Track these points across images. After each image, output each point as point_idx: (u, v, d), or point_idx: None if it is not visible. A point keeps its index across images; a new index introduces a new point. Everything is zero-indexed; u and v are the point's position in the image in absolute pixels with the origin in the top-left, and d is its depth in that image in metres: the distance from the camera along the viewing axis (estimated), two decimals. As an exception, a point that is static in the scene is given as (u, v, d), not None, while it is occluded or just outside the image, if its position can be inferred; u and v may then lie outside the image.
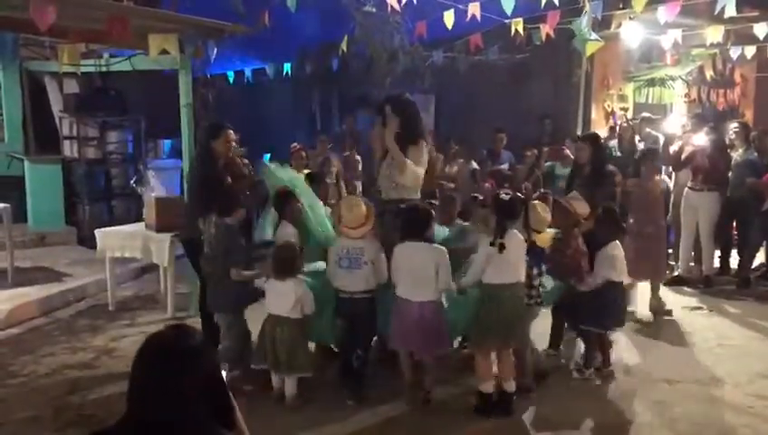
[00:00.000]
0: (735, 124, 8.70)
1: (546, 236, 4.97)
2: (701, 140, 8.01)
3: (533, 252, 4.78)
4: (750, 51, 9.61)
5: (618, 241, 5.25)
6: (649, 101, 10.80)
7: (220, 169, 5.43)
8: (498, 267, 4.46)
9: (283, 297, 4.59)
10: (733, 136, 8.39)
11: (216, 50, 6.62)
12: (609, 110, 10.63)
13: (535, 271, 4.84)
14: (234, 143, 7.78)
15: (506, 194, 4.60)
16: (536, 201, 5.08)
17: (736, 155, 8.17)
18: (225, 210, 4.90)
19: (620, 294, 5.32)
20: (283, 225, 5.17)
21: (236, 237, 4.94)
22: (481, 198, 6.10)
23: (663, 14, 7.67)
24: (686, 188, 8.07)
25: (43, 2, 5.43)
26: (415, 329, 4.52)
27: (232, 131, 5.49)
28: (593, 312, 5.13)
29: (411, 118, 5.15)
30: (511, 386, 4.63)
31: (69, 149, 9.93)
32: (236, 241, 4.93)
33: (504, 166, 9.46)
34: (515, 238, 4.52)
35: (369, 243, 4.71)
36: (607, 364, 5.30)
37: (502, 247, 4.38)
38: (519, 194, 4.74)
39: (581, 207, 5.29)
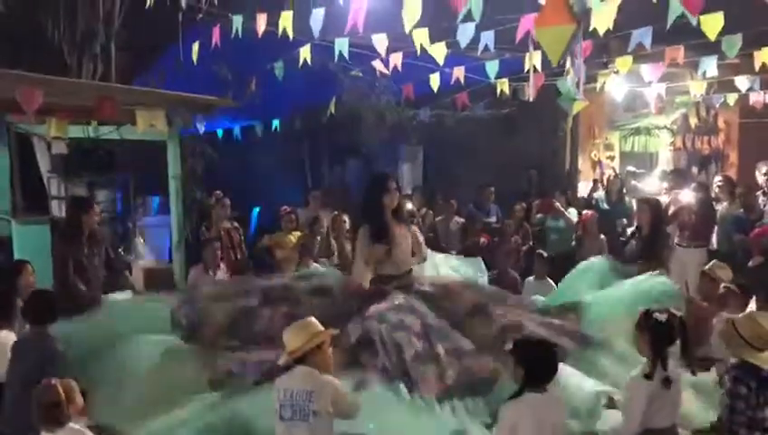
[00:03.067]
0: (720, 178, 8.80)
1: None
2: (687, 196, 8.09)
3: (758, 378, 3.69)
4: (732, 98, 9.74)
5: None
6: (635, 150, 10.91)
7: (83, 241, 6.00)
8: (658, 408, 3.49)
9: None
10: (717, 190, 8.49)
11: (204, 122, 6.68)
12: (596, 159, 10.72)
13: (762, 399, 3.69)
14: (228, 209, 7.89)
15: (661, 313, 3.60)
16: (759, 311, 4.07)
17: (721, 209, 8.24)
18: None
19: None
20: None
21: None
22: None
23: (647, 72, 7.81)
24: (674, 244, 8.13)
25: (30, 87, 5.48)
26: None
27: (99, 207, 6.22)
28: None
29: None
30: None
31: (57, 209, 9.88)
32: None
33: (492, 219, 9.53)
34: (676, 371, 3.59)
35: (321, 383, 3.45)
36: None
37: (667, 383, 3.45)
38: (672, 311, 3.71)
39: (726, 275, 5.31)
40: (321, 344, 3.55)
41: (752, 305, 5.48)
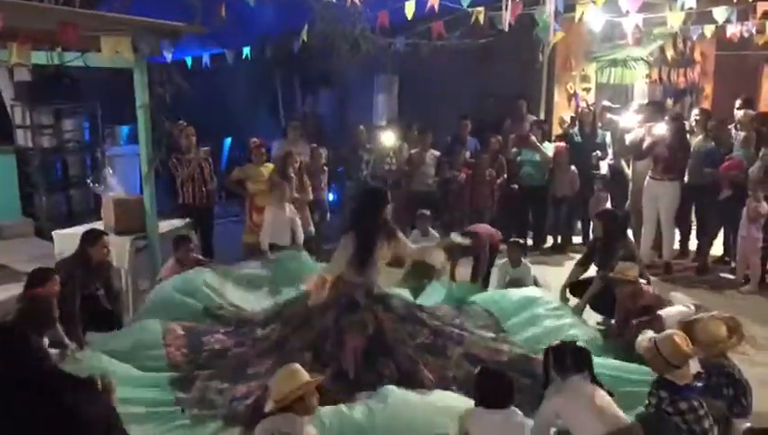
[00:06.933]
0: (696, 111, 8.81)
1: (688, 372, 3.91)
2: (661, 129, 8.09)
3: (672, 389, 3.84)
4: (709, 29, 9.64)
5: None
6: (611, 82, 10.81)
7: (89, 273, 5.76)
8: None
9: None
10: (693, 123, 8.51)
11: (172, 49, 6.45)
12: (572, 91, 10.61)
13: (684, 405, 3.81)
14: (193, 138, 7.74)
15: (561, 342, 3.97)
16: (673, 332, 4.05)
17: (695, 142, 8.27)
18: None
19: None
20: None
21: None
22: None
23: (625, 2, 7.66)
24: (647, 178, 8.18)
25: (-12, 9, 5.22)
26: None
27: (107, 237, 5.89)
28: None
29: None
30: None
31: (23, 139, 9.68)
32: None
33: (467, 153, 9.50)
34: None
35: (299, 430, 3.54)
36: None
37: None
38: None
39: (632, 272, 5.66)
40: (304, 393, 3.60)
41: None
